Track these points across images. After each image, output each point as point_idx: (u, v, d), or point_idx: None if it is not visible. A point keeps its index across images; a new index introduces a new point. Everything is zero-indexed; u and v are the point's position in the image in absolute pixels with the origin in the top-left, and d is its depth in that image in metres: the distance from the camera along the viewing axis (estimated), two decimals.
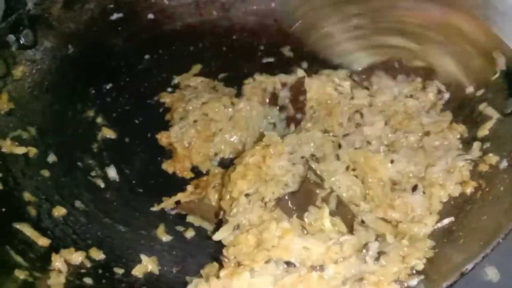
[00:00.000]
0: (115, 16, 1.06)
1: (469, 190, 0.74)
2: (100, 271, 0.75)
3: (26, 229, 0.76)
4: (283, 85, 0.94)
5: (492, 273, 0.78)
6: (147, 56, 1.06)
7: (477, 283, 0.78)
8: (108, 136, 0.95)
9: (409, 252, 0.67)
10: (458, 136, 0.82)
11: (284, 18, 1.09)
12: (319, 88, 0.93)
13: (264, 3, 1.11)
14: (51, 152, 0.90)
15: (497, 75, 0.82)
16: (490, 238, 0.62)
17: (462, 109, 0.85)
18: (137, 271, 0.76)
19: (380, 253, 0.67)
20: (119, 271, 0.76)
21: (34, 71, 0.95)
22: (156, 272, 0.76)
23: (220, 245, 0.72)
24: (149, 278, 0.75)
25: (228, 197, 0.75)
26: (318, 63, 0.98)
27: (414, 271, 0.65)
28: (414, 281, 0.63)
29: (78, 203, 0.85)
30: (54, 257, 0.73)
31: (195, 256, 0.79)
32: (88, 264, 0.75)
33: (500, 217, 0.65)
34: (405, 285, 0.63)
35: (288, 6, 1.09)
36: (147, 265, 0.76)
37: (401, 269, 0.65)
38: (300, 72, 0.94)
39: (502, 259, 0.78)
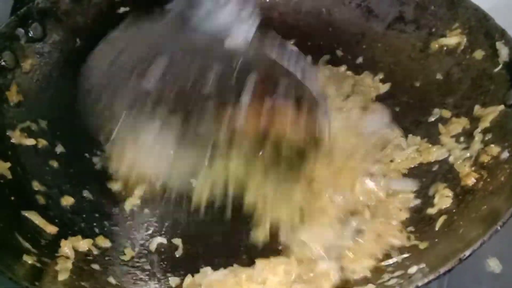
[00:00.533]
0: (122, 10, 1.07)
1: (470, 182, 0.75)
2: (106, 258, 0.77)
3: (35, 217, 0.77)
4: None
5: (494, 264, 0.79)
6: None
7: (479, 275, 0.78)
8: None
9: (385, 229, 0.71)
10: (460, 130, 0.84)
11: (288, 12, 1.10)
12: None
13: None
14: (59, 143, 0.92)
15: (500, 67, 0.82)
16: (489, 227, 0.63)
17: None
18: (143, 257, 0.78)
19: (358, 231, 0.71)
20: (125, 257, 0.77)
21: (42, 63, 0.97)
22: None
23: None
24: (154, 264, 0.77)
25: None
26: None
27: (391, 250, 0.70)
28: (413, 269, 0.64)
29: (86, 193, 0.86)
30: (63, 242, 0.74)
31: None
32: (95, 251, 0.77)
33: (500, 206, 0.66)
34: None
35: (292, 0, 1.11)
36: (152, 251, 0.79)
37: (377, 248, 0.69)
38: None
39: (504, 250, 0.79)
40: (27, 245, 0.72)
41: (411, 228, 0.75)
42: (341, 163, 0.82)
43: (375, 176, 0.81)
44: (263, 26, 1.05)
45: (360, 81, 0.98)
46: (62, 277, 0.69)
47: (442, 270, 0.59)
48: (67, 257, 0.73)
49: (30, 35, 0.95)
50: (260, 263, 0.67)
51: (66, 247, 0.74)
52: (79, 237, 0.77)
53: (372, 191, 0.79)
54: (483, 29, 0.87)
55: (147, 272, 0.77)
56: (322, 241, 0.71)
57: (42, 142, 0.90)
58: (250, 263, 0.71)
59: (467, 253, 0.60)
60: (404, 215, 0.76)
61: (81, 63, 0.99)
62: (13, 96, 0.91)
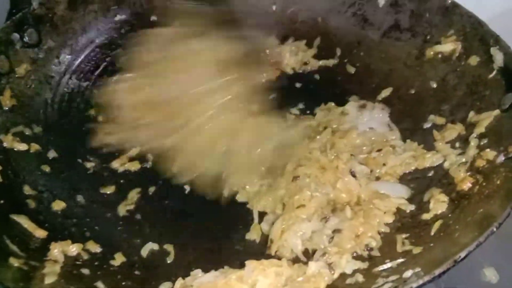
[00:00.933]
0: (118, 17, 1.08)
1: (466, 186, 0.74)
2: (96, 263, 0.75)
3: (24, 221, 0.76)
4: None
5: (490, 274, 0.77)
6: None
7: (475, 285, 0.77)
8: None
9: (364, 230, 0.72)
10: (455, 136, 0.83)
11: (285, 21, 1.11)
12: None
13: (265, 6, 1.12)
14: (51, 148, 0.91)
15: (494, 73, 0.82)
16: (485, 229, 0.62)
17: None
18: (134, 263, 0.76)
19: (335, 231, 0.73)
20: (115, 263, 0.76)
21: (37, 69, 0.97)
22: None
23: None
24: (145, 269, 0.76)
25: None
26: None
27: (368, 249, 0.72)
28: (408, 273, 0.63)
29: (79, 198, 0.85)
30: (53, 245, 0.73)
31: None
32: (85, 256, 0.75)
33: (496, 209, 0.65)
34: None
35: (288, 10, 1.12)
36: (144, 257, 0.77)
37: (354, 246, 0.70)
38: None
39: (501, 260, 0.78)
40: (14, 248, 0.71)
41: (405, 234, 0.74)
42: (327, 162, 0.83)
43: (359, 176, 0.82)
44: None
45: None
46: (49, 280, 0.67)
47: (437, 271, 0.58)
48: (56, 261, 0.72)
49: (25, 40, 0.95)
50: (250, 264, 0.66)
51: (56, 250, 0.73)
52: (69, 241, 0.76)
53: (354, 190, 0.79)
54: (478, 35, 0.87)
55: (138, 278, 0.75)
56: (302, 237, 0.73)
57: (35, 147, 0.90)
58: (242, 267, 0.70)
59: (462, 254, 0.59)
60: (388, 219, 0.76)
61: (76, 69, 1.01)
62: (7, 100, 0.91)
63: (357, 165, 0.83)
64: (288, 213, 0.77)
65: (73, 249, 0.75)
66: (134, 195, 0.87)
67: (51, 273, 0.69)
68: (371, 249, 0.72)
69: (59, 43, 1.01)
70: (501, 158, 0.72)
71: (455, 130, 0.84)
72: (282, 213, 0.79)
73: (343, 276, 0.68)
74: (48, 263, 0.71)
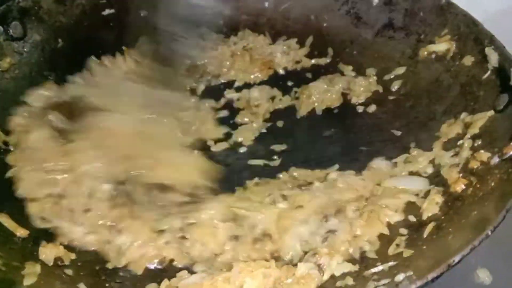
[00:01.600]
0: (107, 11, 1.05)
1: (459, 188, 0.73)
2: (79, 264, 0.73)
3: (5, 220, 0.74)
4: None
5: (484, 276, 0.76)
6: None
7: (468, 286, 0.76)
8: None
9: (361, 233, 0.70)
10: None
11: (277, 18, 1.09)
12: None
13: (257, 2, 1.10)
14: None
15: (488, 73, 0.81)
16: (480, 232, 0.60)
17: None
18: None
19: (329, 232, 0.71)
20: (99, 264, 0.73)
21: (22, 63, 0.94)
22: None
23: None
24: (128, 271, 0.73)
25: None
26: None
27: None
28: (400, 276, 0.61)
29: None
30: (45, 245, 0.72)
31: None
32: (70, 257, 0.73)
33: (490, 211, 0.63)
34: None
35: (281, 6, 1.10)
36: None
37: (347, 248, 0.69)
38: None
39: (494, 261, 0.77)
40: None
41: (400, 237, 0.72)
42: None
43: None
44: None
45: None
46: (28, 281, 0.65)
47: (430, 276, 0.56)
48: (37, 261, 0.69)
49: (9, 33, 0.93)
50: (237, 266, 0.64)
51: (48, 250, 0.71)
52: (57, 243, 0.73)
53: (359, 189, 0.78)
54: (472, 35, 0.86)
55: (122, 280, 0.72)
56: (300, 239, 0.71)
57: None
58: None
59: (456, 258, 0.57)
60: (397, 217, 0.74)
61: (62, 64, 0.99)
62: None
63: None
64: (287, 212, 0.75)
65: (60, 250, 0.72)
66: None
67: (31, 273, 0.66)
68: (364, 251, 0.70)
69: (45, 37, 0.98)
70: (496, 160, 0.71)
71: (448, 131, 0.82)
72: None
73: (332, 278, 0.66)
74: (28, 263, 0.68)
